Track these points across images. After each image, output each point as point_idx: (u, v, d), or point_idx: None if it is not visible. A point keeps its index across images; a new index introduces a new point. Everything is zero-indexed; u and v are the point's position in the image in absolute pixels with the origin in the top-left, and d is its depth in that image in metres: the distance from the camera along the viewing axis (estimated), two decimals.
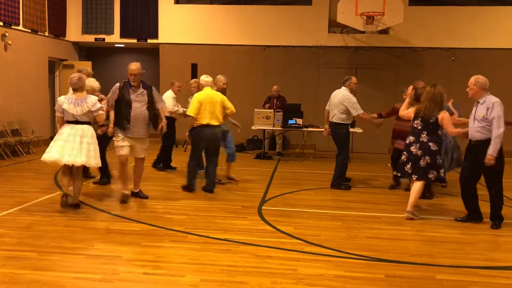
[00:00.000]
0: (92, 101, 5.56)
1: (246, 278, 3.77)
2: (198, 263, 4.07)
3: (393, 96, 11.70)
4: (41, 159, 5.60)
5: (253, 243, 4.63)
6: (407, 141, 5.78)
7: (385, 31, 11.60)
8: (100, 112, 5.62)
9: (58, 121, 5.78)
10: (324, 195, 6.94)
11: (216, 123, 6.64)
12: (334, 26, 11.91)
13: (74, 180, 5.60)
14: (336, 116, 7.22)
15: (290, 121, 10.33)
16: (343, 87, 7.29)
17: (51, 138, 11.80)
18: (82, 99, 5.55)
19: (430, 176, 5.64)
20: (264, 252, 4.38)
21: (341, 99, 7.16)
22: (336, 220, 5.58)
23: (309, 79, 12.21)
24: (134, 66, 5.94)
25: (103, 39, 12.61)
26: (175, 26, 12.40)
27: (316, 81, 12.19)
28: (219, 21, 12.32)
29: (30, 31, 10.79)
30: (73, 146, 5.43)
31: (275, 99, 11.09)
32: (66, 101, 5.56)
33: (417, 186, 5.66)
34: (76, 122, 5.56)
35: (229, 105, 6.76)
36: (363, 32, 11.15)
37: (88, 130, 5.58)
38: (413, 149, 5.66)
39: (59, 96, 12.18)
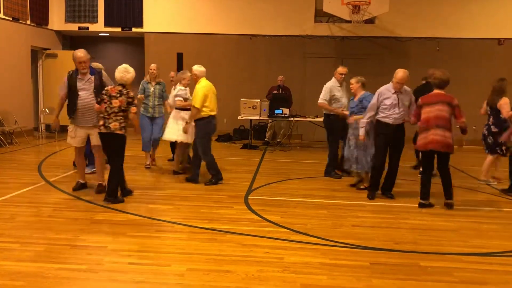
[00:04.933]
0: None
1: (232, 266, 3.78)
2: (184, 253, 4.06)
3: (378, 85, 11.74)
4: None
5: (240, 232, 4.63)
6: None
7: (371, 21, 11.62)
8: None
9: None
10: (310, 184, 6.96)
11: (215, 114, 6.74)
12: (321, 15, 11.90)
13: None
14: None
15: (276, 111, 10.32)
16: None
17: (35, 128, 11.77)
18: None
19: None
20: (250, 241, 4.39)
21: None
22: (322, 209, 5.61)
23: (295, 68, 12.19)
24: (82, 53, 5.76)
25: (87, 28, 12.40)
26: (160, 14, 12.25)
27: (302, 70, 12.18)
28: (205, 10, 12.21)
29: (11, 19, 10.56)
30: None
31: (280, 89, 11.05)
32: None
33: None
34: None
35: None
36: (349, 22, 11.17)
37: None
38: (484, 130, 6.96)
39: (42, 85, 12.16)
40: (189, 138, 6.87)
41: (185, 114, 6.91)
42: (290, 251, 4.15)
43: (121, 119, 5.57)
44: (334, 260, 3.99)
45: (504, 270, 3.90)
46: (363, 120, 6.12)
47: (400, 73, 5.95)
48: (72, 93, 5.78)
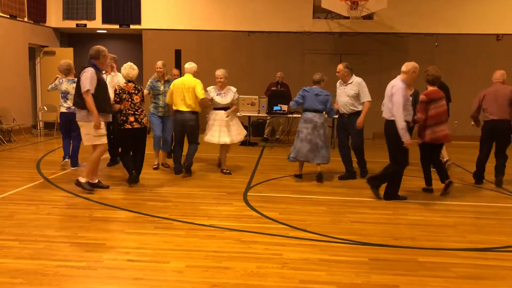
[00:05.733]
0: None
1: (231, 263, 3.79)
2: (183, 249, 4.07)
3: (377, 81, 11.77)
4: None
5: (238, 228, 4.64)
6: None
7: (369, 17, 11.61)
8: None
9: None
10: (309, 181, 6.97)
11: (185, 109, 6.78)
12: (319, 11, 11.87)
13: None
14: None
15: (275, 108, 10.31)
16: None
17: (33, 126, 11.76)
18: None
19: None
20: (249, 238, 4.40)
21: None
22: (321, 205, 5.62)
23: (293, 65, 12.18)
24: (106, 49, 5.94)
25: (85, 25, 12.37)
26: (158, 11, 12.22)
27: (300, 67, 12.17)
28: (203, 7, 12.18)
29: (8, 16, 10.53)
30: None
31: (279, 86, 11.02)
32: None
33: None
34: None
35: (198, 91, 6.79)
36: (347, 18, 11.15)
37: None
38: None
39: (40, 83, 12.14)
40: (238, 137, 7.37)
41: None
42: (289, 248, 4.16)
43: (144, 112, 6.26)
44: (333, 256, 4.00)
45: (501, 266, 3.91)
46: (403, 122, 5.47)
47: (418, 66, 5.69)
48: (103, 88, 5.77)
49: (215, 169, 7.65)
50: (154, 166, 7.51)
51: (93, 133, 5.72)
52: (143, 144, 6.31)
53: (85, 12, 12.29)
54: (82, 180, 5.86)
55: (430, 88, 6.02)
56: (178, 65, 11.11)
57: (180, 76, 8.19)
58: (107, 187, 6.12)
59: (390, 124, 5.60)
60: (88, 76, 5.59)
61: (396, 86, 5.53)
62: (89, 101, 5.58)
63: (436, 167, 6.23)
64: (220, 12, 12.18)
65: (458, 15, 11.72)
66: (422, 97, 5.99)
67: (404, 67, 5.71)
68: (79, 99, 5.68)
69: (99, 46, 5.89)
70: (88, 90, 5.56)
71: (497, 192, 6.51)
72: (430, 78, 6.00)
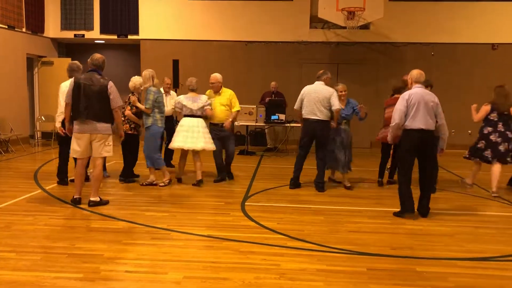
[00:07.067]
0: (205, 98, 7.07)
1: (229, 274, 3.78)
2: (180, 260, 4.05)
3: (374, 91, 11.84)
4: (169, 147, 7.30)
5: (236, 239, 4.63)
6: (485, 131, 6.79)
7: (366, 27, 11.68)
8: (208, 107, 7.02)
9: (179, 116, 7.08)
10: (307, 190, 6.97)
11: None
12: (316, 21, 11.95)
13: (196, 161, 7.01)
14: (325, 112, 7.05)
15: (272, 117, 10.34)
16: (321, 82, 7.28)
17: (31, 136, 11.74)
18: (197, 97, 6.98)
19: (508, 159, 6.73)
20: (247, 248, 4.39)
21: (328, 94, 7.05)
22: (319, 215, 5.62)
23: (291, 74, 12.23)
24: None
25: (83, 35, 12.42)
26: (156, 21, 12.29)
27: (298, 76, 12.21)
28: (201, 17, 12.25)
29: (6, 27, 10.57)
30: (193, 135, 6.76)
31: (273, 95, 11.05)
32: (185, 99, 6.90)
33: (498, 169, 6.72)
34: (193, 115, 6.87)
35: None
36: (344, 28, 11.23)
37: (202, 121, 6.93)
38: (492, 137, 6.71)
39: (38, 93, 12.16)
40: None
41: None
42: (286, 258, 4.16)
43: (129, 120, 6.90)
44: (331, 266, 4.00)
45: (500, 275, 3.91)
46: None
47: None
48: None
49: (213, 179, 7.63)
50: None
51: (112, 144, 5.72)
52: (127, 148, 7.06)
53: (83, 23, 12.34)
54: (96, 198, 5.73)
55: (396, 96, 6.83)
56: (176, 74, 11.14)
57: (172, 86, 8.35)
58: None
59: (433, 134, 5.54)
60: (116, 91, 5.65)
61: (436, 98, 5.57)
62: (120, 116, 5.87)
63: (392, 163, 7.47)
64: (218, 22, 12.25)
65: (454, 25, 11.82)
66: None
67: (423, 78, 5.69)
68: (103, 112, 5.53)
69: (102, 55, 5.77)
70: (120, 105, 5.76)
71: (494, 201, 6.53)
72: (393, 88, 7.42)
